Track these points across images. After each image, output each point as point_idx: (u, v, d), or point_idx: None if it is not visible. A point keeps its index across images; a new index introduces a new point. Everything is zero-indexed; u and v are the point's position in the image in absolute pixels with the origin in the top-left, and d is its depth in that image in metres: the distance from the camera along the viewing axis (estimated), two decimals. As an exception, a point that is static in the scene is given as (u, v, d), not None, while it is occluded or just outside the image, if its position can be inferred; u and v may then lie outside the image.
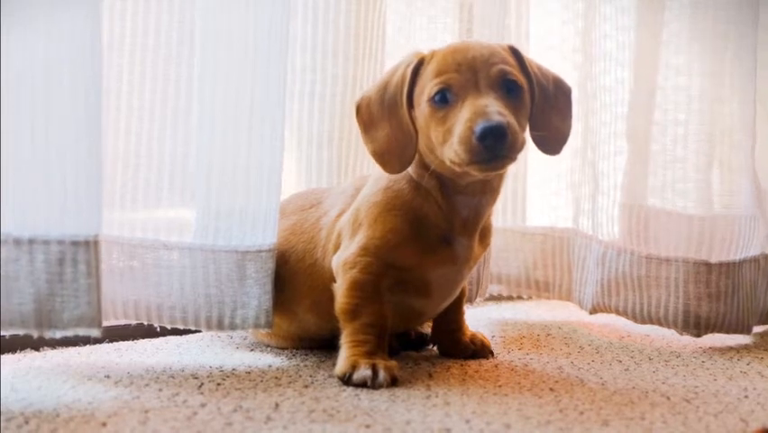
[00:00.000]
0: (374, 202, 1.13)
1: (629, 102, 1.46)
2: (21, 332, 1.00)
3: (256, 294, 1.16)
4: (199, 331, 1.31)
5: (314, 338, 1.24)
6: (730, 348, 1.37)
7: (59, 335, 1.00)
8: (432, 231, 1.12)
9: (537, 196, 1.69)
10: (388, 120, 1.11)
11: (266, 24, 1.14)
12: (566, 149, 1.58)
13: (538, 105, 1.12)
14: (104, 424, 0.88)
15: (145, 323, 1.17)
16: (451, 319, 1.25)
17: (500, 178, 1.14)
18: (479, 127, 0.99)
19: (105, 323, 1.23)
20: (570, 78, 1.57)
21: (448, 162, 1.04)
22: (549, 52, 1.64)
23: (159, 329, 1.27)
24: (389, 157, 1.11)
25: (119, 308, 1.15)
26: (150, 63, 1.16)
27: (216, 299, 1.15)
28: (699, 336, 1.40)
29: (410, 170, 1.13)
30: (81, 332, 1.00)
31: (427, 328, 1.32)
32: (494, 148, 1.00)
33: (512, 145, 1.01)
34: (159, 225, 1.16)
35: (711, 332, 1.40)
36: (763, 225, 1.47)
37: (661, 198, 1.45)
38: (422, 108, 1.08)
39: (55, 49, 0.98)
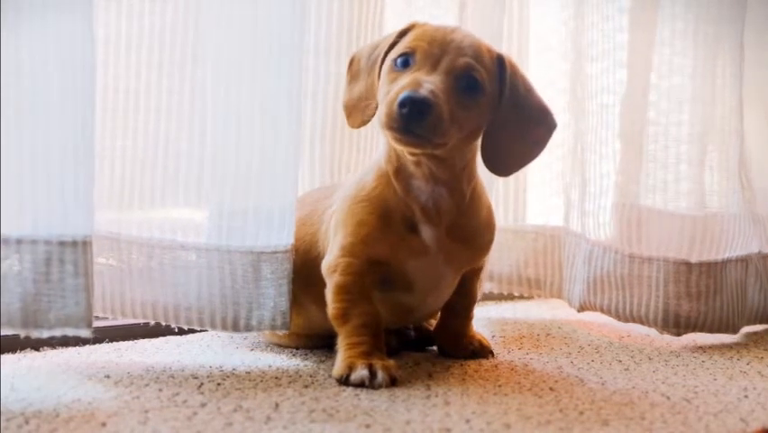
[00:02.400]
0: (345, 197, 1.15)
1: (620, 102, 1.46)
2: (7, 332, 1.00)
3: (271, 295, 1.16)
4: (205, 331, 1.31)
5: (320, 335, 1.23)
6: (730, 348, 1.37)
7: (45, 334, 0.99)
8: (396, 217, 1.11)
9: (538, 196, 1.69)
10: (367, 76, 1.13)
11: (279, 22, 1.14)
12: (561, 150, 1.59)
13: (501, 122, 1.10)
14: (104, 424, 0.88)
15: (163, 323, 1.17)
16: (456, 324, 1.25)
17: (449, 172, 1.11)
18: (402, 95, 1.00)
19: (121, 321, 1.25)
20: (565, 79, 1.59)
21: (378, 122, 1.05)
22: (548, 53, 1.64)
23: (159, 329, 1.27)
24: (354, 111, 1.14)
25: (138, 308, 1.16)
26: (167, 63, 1.16)
27: (232, 300, 1.16)
28: (678, 335, 1.41)
29: (382, 153, 1.13)
30: (69, 332, 1.00)
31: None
32: (408, 120, 1.00)
33: (432, 126, 1.01)
34: (176, 225, 1.17)
35: (692, 331, 1.40)
36: (752, 224, 1.47)
37: (645, 197, 1.45)
38: (385, 66, 1.09)
39: (45, 49, 0.98)
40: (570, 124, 1.56)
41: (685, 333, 1.40)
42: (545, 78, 1.64)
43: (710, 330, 1.41)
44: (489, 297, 1.73)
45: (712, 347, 1.38)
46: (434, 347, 1.28)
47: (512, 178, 1.62)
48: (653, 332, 1.47)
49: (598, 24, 1.47)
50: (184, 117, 1.17)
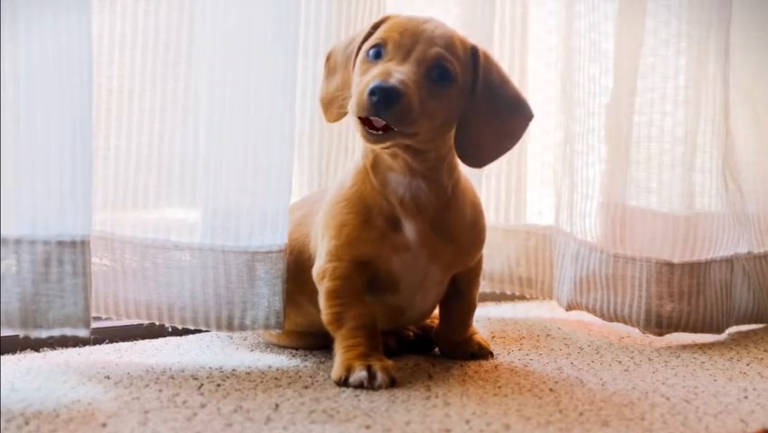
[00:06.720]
0: (328, 201, 1.15)
1: (608, 104, 1.47)
2: (6, 332, 1.01)
3: (266, 295, 1.16)
4: (201, 331, 1.31)
5: (321, 333, 1.22)
6: (730, 349, 1.37)
7: (44, 334, 1.00)
8: (376, 214, 1.11)
9: (538, 196, 1.69)
10: (343, 70, 1.13)
11: (273, 23, 1.14)
12: (560, 150, 1.59)
13: (475, 112, 1.10)
14: (104, 424, 0.88)
15: (157, 323, 1.18)
16: (455, 330, 1.24)
17: (426, 164, 1.10)
18: (372, 83, 1.00)
19: (121, 322, 1.25)
20: (556, 82, 1.59)
21: (349, 112, 1.05)
22: (547, 53, 1.64)
23: (159, 330, 1.27)
24: (330, 105, 1.14)
25: (132, 307, 1.16)
26: (161, 63, 1.17)
27: (226, 300, 1.16)
28: (661, 334, 1.42)
29: (361, 149, 1.14)
30: (68, 332, 1.00)
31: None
32: (378, 108, 0.99)
33: (401, 115, 1.00)
34: (170, 225, 1.17)
35: (675, 331, 1.41)
36: (739, 225, 1.48)
37: (630, 197, 1.46)
38: (359, 58, 1.09)
39: (43, 49, 0.98)
40: (564, 125, 1.56)
41: (668, 333, 1.41)
42: (544, 77, 1.64)
43: (693, 330, 1.42)
44: (490, 297, 1.74)
45: (712, 348, 1.38)
46: (436, 349, 1.28)
47: (506, 176, 1.62)
48: (651, 333, 1.47)
49: (589, 27, 1.47)
50: (178, 117, 1.17)
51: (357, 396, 1.01)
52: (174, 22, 1.17)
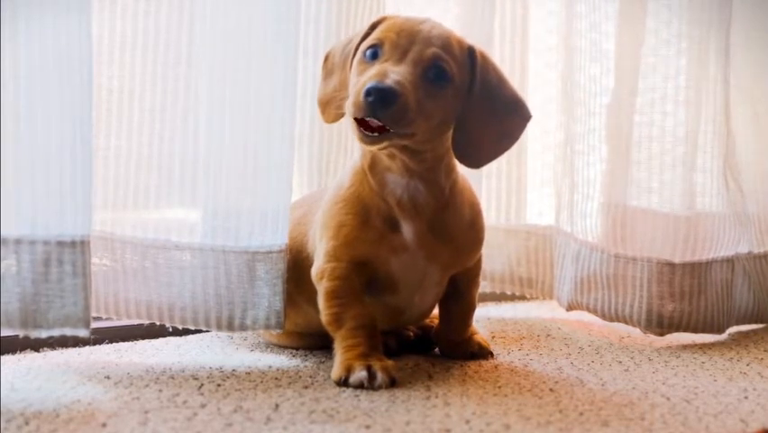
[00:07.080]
0: (326, 201, 1.15)
1: (609, 104, 1.47)
2: (6, 332, 1.01)
3: (266, 295, 1.16)
4: (201, 331, 1.31)
5: (321, 334, 1.22)
6: (730, 349, 1.37)
7: (44, 334, 1.00)
8: (374, 214, 1.11)
9: (540, 196, 1.69)
10: (340, 70, 1.13)
11: (274, 23, 1.14)
12: (561, 150, 1.59)
13: (472, 112, 1.09)
14: (104, 424, 0.88)
15: (157, 323, 1.18)
16: (454, 330, 1.24)
17: (424, 164, 1.10)
18: (368, 84, 1.00)
19: (121, 322, 1.26)
20: (556, 82, 1.59)
21: (346, 113, 1.04)
22: (547, 54, 1.64)
23: (159, 330, 1.28)
24: (328, 106, 1.14)
25: (132, 307, 1.17)
26: (162, 63, 1.17)
27: (227, 300, 1.16)
28: (662, 334, 1.42)
29: (359, 150, 1.13)
30: (68, 332, 1.00)
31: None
32: (374, 109, 0.99)
33: (397, 115, 1.00)
34: (170, 225, 1.17)
35: (675, 331, 1.41)
36: (739, 225, 1.48)
37: (631, 197, 1.46)
38: (356, 59, 1.09)
39: (43, 50, 0.98)
40: (565, 125, 1.56)
41: (668, 333, 1.41)
42: (544, 78, 1.64)
43: (694, 330, 1.42)
44: (490, 297, 1.74)
45: (712, 348, 1.38)
46: (436, 349, 1.28)
47: (507, 176, 1.62)
48: (652, 333, 1.47)
49: (590, 27, 1.47)
50: (178, 117, 1.17)
51: (357, 396, 1.01)
52: (174, 22, 1.17)
